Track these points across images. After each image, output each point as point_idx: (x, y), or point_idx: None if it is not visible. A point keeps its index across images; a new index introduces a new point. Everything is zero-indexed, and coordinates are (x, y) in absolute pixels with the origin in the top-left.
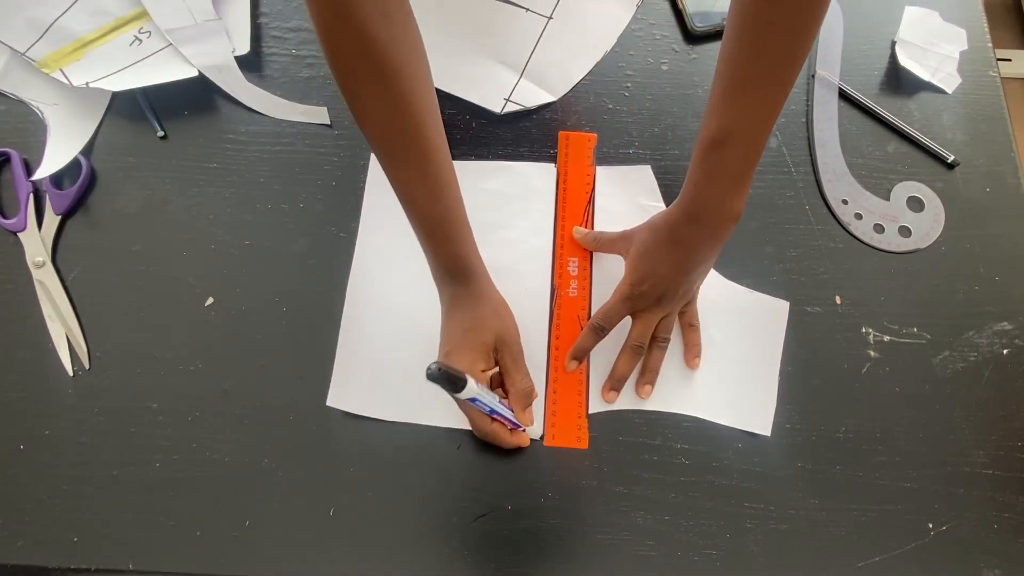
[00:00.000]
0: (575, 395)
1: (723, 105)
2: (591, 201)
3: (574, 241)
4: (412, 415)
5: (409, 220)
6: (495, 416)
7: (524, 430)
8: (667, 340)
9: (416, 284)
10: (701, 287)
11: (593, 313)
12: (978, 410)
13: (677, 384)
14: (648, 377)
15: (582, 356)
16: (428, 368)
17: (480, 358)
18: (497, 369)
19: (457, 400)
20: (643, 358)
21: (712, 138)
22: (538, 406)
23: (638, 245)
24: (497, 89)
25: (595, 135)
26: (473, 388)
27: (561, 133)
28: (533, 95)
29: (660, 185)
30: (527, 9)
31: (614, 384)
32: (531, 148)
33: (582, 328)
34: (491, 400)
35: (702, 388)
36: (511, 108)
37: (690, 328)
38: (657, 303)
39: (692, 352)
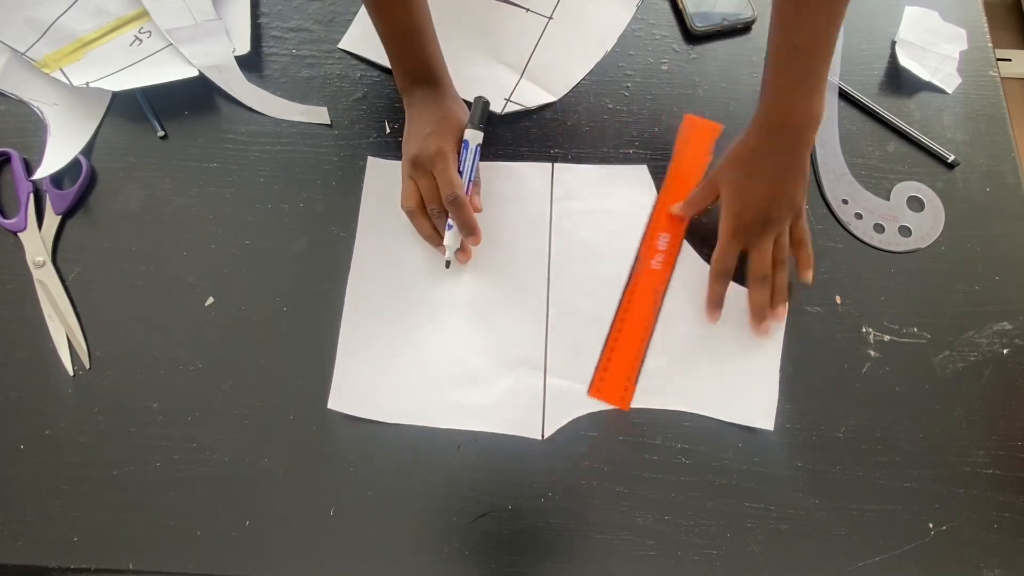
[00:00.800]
0: (631, 359)
1: (799, 14)
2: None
3: (671, 217)
4: (413, 417)
5: (380, 32)
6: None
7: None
8: (786, 260)
9: (416, 284)
10: (800, 208)
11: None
12: (978, 410)
13: (678, 382)
14: (780, 298)
15: (719, 302)
16: (481, 96)
17: (453, 139)
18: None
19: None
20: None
21: (794, 44)
22: (592, 360)
23: (728, 182)
24: (497, 89)
25: (721, 125)
26: (479, 137)
27: (687, 116)
28: (533, 95)
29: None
30: (527, 9)
31: (759, 316)
32: (531, 148)
33: (654, 302)
34: (470, 169)
35: (703, 385)
36: (511, 108)
37: (800, 246)
38: (764, 228)
39: (803, 267)
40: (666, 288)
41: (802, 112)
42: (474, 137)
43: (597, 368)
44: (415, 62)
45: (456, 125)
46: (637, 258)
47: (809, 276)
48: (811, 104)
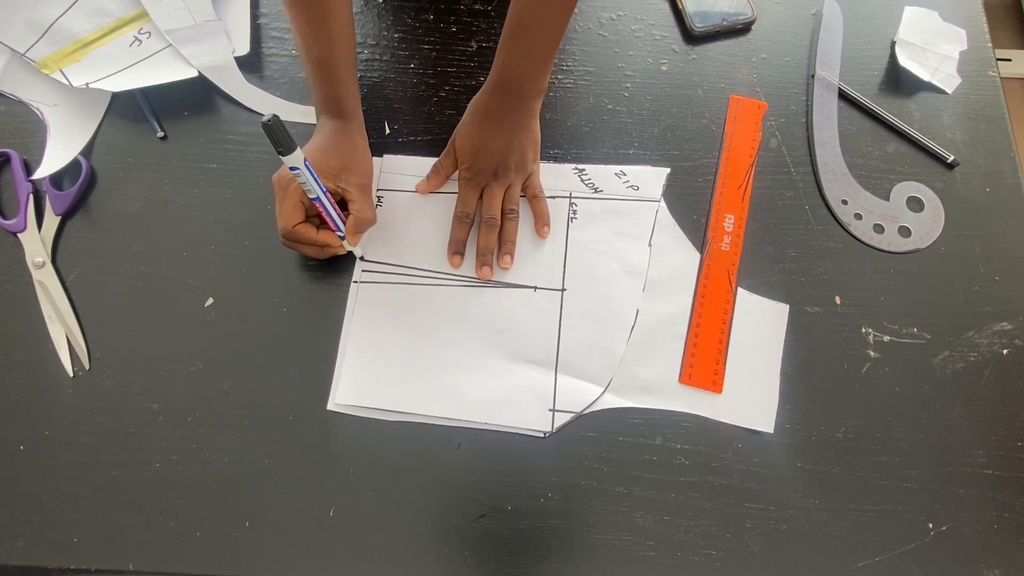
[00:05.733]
0: (715, 342)
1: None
2: (753, 165)
3: (733, 198)
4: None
5: (301, 58)
6: (323, 213)
7: (343, 241)
8: (515, 211)
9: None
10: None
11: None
12: (978, 410)
13: (680, 383)
14: (506, 248)
15: (461, 247)
16: (264, 117)
17: (320, 173)
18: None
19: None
20: (499, 231)
21: (518, 23)
22: (679, 349)
23: (461, 132)
24: (537, 400)
25: (765, 104)
26: (299, 156)
27: (732, 97)
28: (576, 390)
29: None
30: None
31: (482, 260)
32: None
33: (730, 281)
34: (317, 187)
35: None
36: (561, 420)
37: (535, 200)
38: (495, 176)
39: (540, 221)
40: (737, 271)
41: (527, 80)
42: (293, 158)
43: (684, 355)
44: (329, 94)
45: (330, 158)
46: (706, 242)
47: (545, 232)
48: (535, 76)
